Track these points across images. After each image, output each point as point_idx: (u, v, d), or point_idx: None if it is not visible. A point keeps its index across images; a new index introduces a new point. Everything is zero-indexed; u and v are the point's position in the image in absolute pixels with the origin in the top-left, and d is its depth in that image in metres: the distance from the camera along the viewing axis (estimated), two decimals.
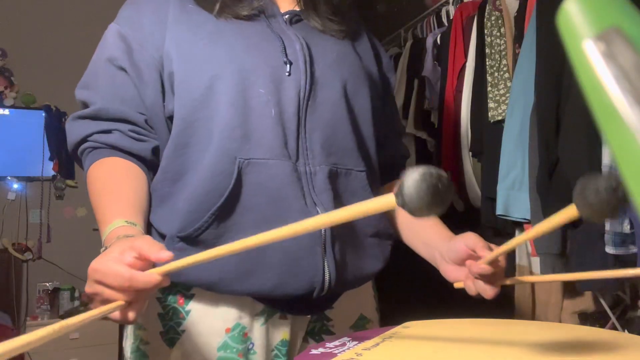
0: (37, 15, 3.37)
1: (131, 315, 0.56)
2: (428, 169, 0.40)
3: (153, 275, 0.55)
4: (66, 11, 3.40)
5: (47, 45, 3.35)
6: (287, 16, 0.82)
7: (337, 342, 0.59)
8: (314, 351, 0.55)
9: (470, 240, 0.72)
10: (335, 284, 0.74)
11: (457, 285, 0.75)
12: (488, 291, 0.69)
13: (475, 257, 0.70)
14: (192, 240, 0.71)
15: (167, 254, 0.55)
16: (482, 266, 0.67)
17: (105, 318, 0.55)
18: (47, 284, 3.19)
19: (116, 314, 0.55)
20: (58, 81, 3.03)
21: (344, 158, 0.78)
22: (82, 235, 3.14)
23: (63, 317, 3.00)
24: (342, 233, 0.76)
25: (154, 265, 0.57)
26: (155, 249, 0.55)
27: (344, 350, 0.54)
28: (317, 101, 0.77)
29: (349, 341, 0.59)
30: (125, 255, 0.55)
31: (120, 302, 0.55)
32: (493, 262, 0.68)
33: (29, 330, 2.94)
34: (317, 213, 0.72)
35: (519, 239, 0.58)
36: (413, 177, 0.40)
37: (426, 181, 0.39)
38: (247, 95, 0.73)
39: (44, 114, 3.33)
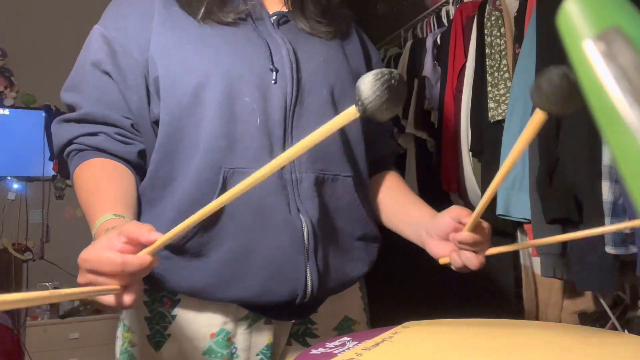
0: (37, 15, 3.37)
1: (127, 298, 0.55)
2: (379, 70, 0.41)
3: (145, 257, 0.54)
4: (66, 11, 3.40)
5: (47, 45, 3.35)
6: (274, 17, 0.81)
7: (337, 342, 0.59)
8: (314, 351, 0.55)
9: (454, 211, 0.72)
10: (318, 290, 0.74)
11: (442, 261, 0.74)
12: (473, 260, 0.69)
13: (461, 229, 0.70)
14: (178, 249, 0.72)
15: (156, 234, 0.55)
16: (466, 233, 0.68)
17: (102, 308, 0.54)
18: (47, 284, 3.19)
19: (111, 299, 0.55)
20: (58, 81, 2.99)
21: (331, 164, 0.78)
22: (82, 235, 3.13)
23: (63, 317, 3.00)
24: (327, 239, 0.77)
25: (143, 246, 0.56)
26: (144, 231, 0.55)
27: (344, 350, 0.54)
28: (303, 107, 0.77)
29: (349, 341, 0.59)
30: (114, 242, 0.55)
31: (116, 287, 0.54)
32: (477, 230, 0.69)
33: (29, 331, 2.95)
34: (301, 221, 0.73)
35: (488, 194, 0.58)
36: (367, 79, 0.40)
37: (379, 80, 0.40)
38: (233, 104, 0.73)
39: (44, 114, 3.33)
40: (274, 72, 0.75)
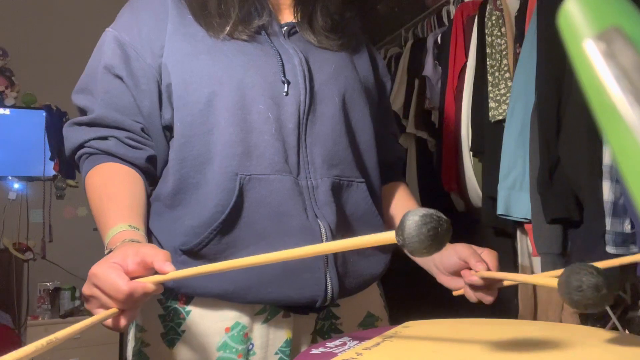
0: (37, 15, 3.38)
1: (123, 322, 0.57)
2: (429, 212, 0.41)
3: (149, 286, 0.56)
4: (67, 11, 3.40)
5: (48, 45, 3.35)
6: (285, 28, 0.82)
7: (337, 342, 0.59)
8: (314, 351, 0.55)
9: (462, 252, 0.77)
10: (338, 294, 0.75)
11: (455, 293, 0.80)
12: (487, 297, 0.76)
13: (469, 267, 0.76)
14: (195, 254, 0.72)
15: (170, 266, 0.56)
16: (477, 279, 0.74)
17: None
18: (48, 284, 3.20)
19: (108, 321, 0.56)
20: (59, 81, 3.03)
21: (345, 170, 0.79)
22: (83, 235, 3.15)
23: (64, 316, 3.01)
24: None
25: (154, 271, 0.58)
26: (160, 259, 0.57)
27: (344, 350, 0.54)
28: (316, 115, 0.78)
29: (349, 341, 0.59)
30: (128, 261, 0.56)
31: (115, 310, 0.56)
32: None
33: (29, 330, 2.95)
34: (319, 226, 0.74)
35: (514, 277, 0.68)
36: (413, 219, 0.41)
37: (425, 225, 0.40)
38: (247, 112, 0.74)
39: (44, 114, 3.34)
40: (286, 85, 0.76)
